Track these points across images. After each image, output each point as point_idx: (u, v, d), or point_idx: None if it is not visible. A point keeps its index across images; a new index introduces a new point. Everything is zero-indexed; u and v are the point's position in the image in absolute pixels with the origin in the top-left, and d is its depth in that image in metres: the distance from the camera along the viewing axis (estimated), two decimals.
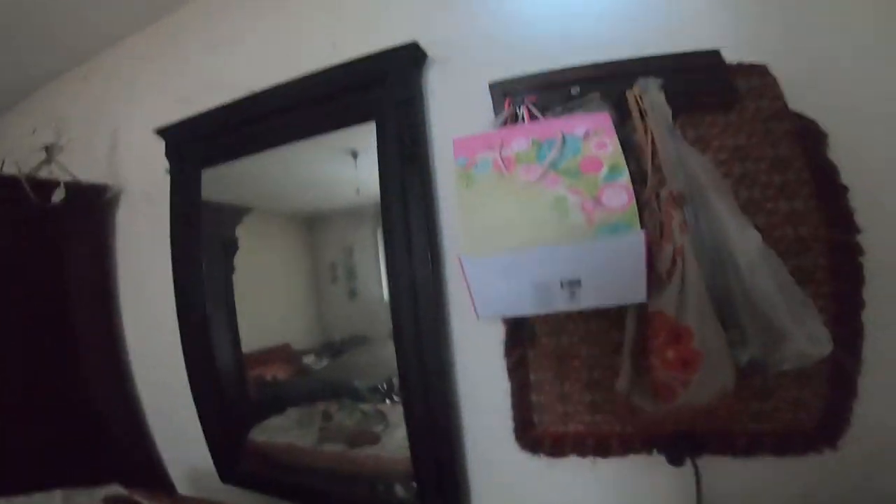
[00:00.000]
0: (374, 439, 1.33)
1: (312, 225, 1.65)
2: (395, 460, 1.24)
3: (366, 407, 1.41)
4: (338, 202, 1.59)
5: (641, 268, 0.67)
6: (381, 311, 1.52)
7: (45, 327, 1.49)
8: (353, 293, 1.59)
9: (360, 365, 1.55)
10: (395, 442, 1.29)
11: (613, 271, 0.68)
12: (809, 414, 0.80)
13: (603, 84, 0.85)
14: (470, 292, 0.75)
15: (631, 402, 0.79)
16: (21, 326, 1.43)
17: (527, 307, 0.74)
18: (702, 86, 0.84)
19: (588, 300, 0.71)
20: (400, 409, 1.35)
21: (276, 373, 1.60)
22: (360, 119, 1.19)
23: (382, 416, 1.37)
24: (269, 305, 1.59)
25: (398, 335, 1.10)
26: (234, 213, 1.54)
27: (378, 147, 1.13)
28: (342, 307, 1.61)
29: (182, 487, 1.54)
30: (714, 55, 0.85)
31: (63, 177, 1.56)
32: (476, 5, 1.11)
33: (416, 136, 1.07)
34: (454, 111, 1.09)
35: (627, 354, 0.76)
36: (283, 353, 1.60)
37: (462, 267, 0.72)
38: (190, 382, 1.45)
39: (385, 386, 1.46)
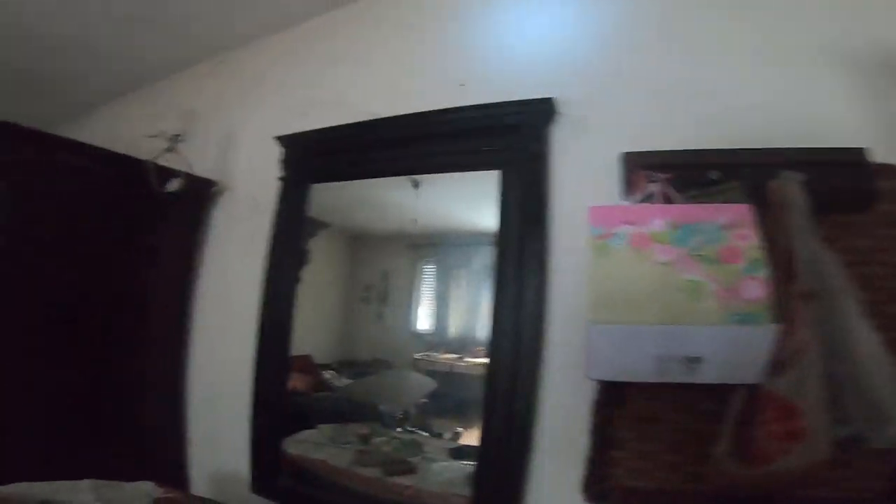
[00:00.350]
0: (411, 469, 1.32)
1: (355, 243, 1.64)
2: (437, 495, 1.23)
3: (405, 436, 1.40)
4: (388, 226, 1.58)
5: (765, 356, 0.71)
6: (409, 340, 1.53)
7: (120, 306, 1.51)
8: (380, 316, 1.59)
9: (380, 389, 1.54)
10: (433, 475, 1.29)
11: (737, 354, 0.72)
12: (875, 484, 0.85)
13: (741, 171, 0.85)
14: (588, 354, 0.77)
15: (721, 465, 0.82)
16: (98, 303, 1.45)
17: (642, 375, 0.77)
18: (842, 184, 0.83)
19: (706, 376, 0.74)
20: (434, 441, 1.36)
21: (296, 382, 1.57)
22: (483, 166, 1.19)
23: (419, 447, 1.37)
24: (300, 314, 1.56)
25: (491, 378, 1.09)
26: (312, 227, 1.54)
27: (501, 198, 1.13)
28: (369, 329, 1.60)
29: (200, 488, 1.51)
30: (857, 153, 0.85)
31: (180, 167, 1.57)
32: (613, 74, 1.12)
33: (540, 192, 1.08)
34: (578, 173, 1.09)
35: (731, 423, 0.79)
36: (302, 364, 1.58)
37: (588, 331, 0.75)
38: (254, 387, 1.44)
39: (401, 414, 1.46)
